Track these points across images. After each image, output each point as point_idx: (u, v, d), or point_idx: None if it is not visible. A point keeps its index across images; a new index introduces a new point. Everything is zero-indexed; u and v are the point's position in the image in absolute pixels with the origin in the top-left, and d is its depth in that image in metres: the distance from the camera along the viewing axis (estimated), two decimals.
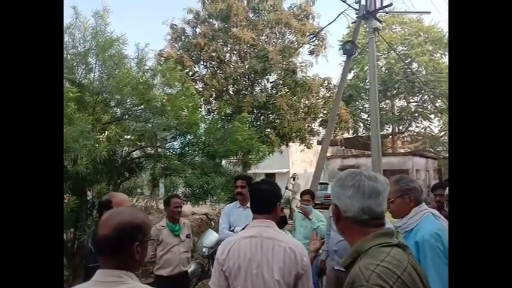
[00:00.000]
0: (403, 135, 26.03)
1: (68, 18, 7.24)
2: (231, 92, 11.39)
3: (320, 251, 2.94)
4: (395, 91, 23.05)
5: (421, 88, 21.79)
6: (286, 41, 11.78)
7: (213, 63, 11.39)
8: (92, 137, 3.84)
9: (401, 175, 2.10)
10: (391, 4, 9.01)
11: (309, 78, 11.02)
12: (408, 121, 24.22)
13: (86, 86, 4.64)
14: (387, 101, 24.09)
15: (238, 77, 10.94)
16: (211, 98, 11.23)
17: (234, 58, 11.84)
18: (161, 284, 3.37)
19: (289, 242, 1.66)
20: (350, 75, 20.97)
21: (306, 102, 11.30)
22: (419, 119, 23.80)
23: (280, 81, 11.12)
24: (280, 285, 1.56)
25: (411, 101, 24.17)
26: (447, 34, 18.94)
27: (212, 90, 11.01)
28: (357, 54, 12.66)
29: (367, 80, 17.54)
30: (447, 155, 20.19)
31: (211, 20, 11.57)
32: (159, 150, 5.06)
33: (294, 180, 11.44)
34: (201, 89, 10.70)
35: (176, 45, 11.57)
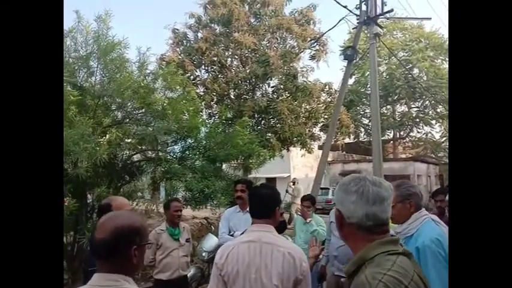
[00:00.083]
0: (404, 140, 25.99)
1: (70, 21, 7.26)
2: (232, 97, 11.41)
3: (320, 256, 2.92)
4: (396, 96, 23.06)
5: (422, 94, 21.81)
6: (287, 46, 11.81)
7: (215, 67, 11.42)
8: (92, 140, 3.84)
9: (401, 180, 2.10)
10: (392, 10, 9.05)
11: (310, 83, 11.03)
12: (409, 126, 24.19)
13: (87, 90, 4.65)
14: (388, 107, 24.10)
15: (240, 82, 10.96)
16: (212, 102, 11.25)
17: (235, 63, 11.88)
18: None
19: (288, 247, 1.64)
20: (351, 81, 21.02)
21: (307, 107, 11.30)
22: (421, 124, 23.77)
23: (281, 86, 11.13)
24: None
25: (412, 106, 24.17)
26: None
27: (213, 95, 11.03)
28: (357, 59, 12.68)
29: (368, 86, 17.56)
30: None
31: (212, 25, 11.63)
32: (160, 154, 5.07)
33: (293, 184, 11.41)
34: (202, 93, 10.71)
35: (178, 49, 11.61)
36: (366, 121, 23.60)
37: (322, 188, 12.03)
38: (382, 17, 9.45)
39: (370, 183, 1.09)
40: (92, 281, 1.08)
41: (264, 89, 11.65)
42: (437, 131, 24.08)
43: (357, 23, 9.23)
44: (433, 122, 23.31)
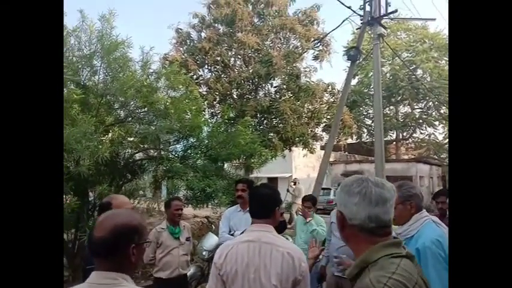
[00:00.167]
0: (407, 141, 25.86)
1: (74, 21, 7.32)
2: (235, 96, 11.42)
3: (320, 256, 2.91)
4: (399, 97, 22.95)
5: (425, 95, 21.69)
6: (290, 46, 11.80)
7: (218, 67, 11.43)
8: (95, 138, 3.86)
9: (402, 181, 2.09)
10: (396, 10, 9.00)
11: (312, 83, 11.01)
12: (412, 127, 24.07)
13: (90, 88, 4.68)
14: (391, 107, 23.98)
15: (242, 81, 10.96)
16: (214, 102, 11.25)
17: (238, 62, 11.88)
18: (160, 286, 3.36)
19: (288, 247, 1.64)
20: (354, 81, 20.93)
21: (310, 107, 11.29)
22: (424, 125, 23.64)
23: (284, 86, 11.12)
24: None
25: (415, 107, 24.05)
26: None
27: (216, 94, 11.03)
28: (361, 60, 12.63)
29: (372, 86, 17.50)
30: None
31: (216, 25, 11.64)
32: (162, 152, 5.09)
33: (294, 184, 11.40)
34: (204, 93, 10.73)
35: (181, 49, 11.63)
36: (368, 122, 23.52)
37: (323, 189, 12.01)
38: (386, 17, 9.41)
39: (373, 185, 1.07)
40: (90, 279, 1.08)
41: (266, 89, 11.65)
42: (440, 132, 23.97)
43: (361, 23, 9.19)
44: (436, 123, 23.18)
